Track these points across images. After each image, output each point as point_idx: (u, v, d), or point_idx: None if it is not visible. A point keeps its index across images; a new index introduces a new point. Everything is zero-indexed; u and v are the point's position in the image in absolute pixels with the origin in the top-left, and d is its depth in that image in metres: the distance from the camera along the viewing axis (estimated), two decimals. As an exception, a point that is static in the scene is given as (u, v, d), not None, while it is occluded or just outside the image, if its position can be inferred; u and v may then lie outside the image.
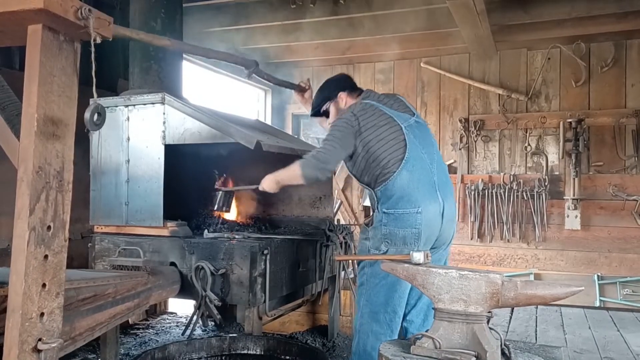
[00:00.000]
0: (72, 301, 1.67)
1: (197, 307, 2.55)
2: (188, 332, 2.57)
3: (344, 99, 2.63)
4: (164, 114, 2.66)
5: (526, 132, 5.36)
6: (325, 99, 2.66)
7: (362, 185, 2.58)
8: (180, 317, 4.10)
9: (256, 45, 5.25)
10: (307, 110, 2.93)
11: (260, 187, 2.60)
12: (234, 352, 2.41)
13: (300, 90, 2.97)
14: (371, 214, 2.52)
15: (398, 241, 2.34)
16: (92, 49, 1.23)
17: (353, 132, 2.39)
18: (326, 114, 2.69)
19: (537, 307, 4.32)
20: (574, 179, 5.05)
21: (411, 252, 1.79)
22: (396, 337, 2.43)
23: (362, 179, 2.48)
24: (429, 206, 2.36)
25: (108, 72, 3.77)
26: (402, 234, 2.33)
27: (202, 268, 2.52)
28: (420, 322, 2.57)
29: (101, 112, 1.26)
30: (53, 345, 1.25)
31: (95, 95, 1.26)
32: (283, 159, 3.12)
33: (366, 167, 2.42)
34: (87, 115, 1.23)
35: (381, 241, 2.36)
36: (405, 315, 2.55)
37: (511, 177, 5.31)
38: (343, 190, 6.08)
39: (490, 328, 1.67)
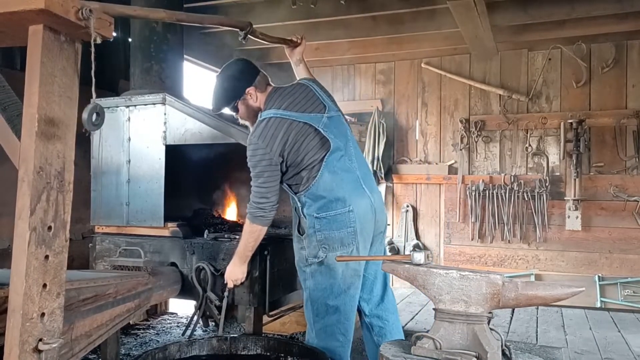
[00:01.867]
0: (73, 301, 1.67)
1: (198, 308, 2.55)
2: (188, 332, 2.57)
3: (253, 95, 2.37)
4: (164, 114, 2.66)
5: (527, 133, 5.36)
6: (233, 97, 2.38)
7: (286, 189, 2.37)
8: (181, 318, 4.10)
9: (256, 46, 5.26)
10: (292, 62, 2.67)
11: (230, 283, 2.40)
12: (234, 353, 2.40)
13: (293, 45, 2.66)
14: (296, 221, 2.35)
15: (336, 244, 2.25)
16: (92, 49, 1.23)
17: (273, 162, 2.25)
18: (235, 109, 2.43)
19: (537, 308, 4.32)
20: (574, 179, 5.05)
21: (412, 252, 1.79)
22: (351, 342, 2.36)
23: (285, 180, 2.33)
24: (360, 202, 2.29)
25: (109, 73, 3.78)
26: (338, 236, 2.25)
27: (203, 268, 2.52)
28: (385, 313, 2.51)
29: (100, 113, 1.26)
30: (54, 345, 1.25)
31: (94, 95, 1.25)
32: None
33: (287, 173, 2.30)
34: (84, 115, 1.23)
35: (318, 248, 2.25)
36: (365, 312, 2.48)
37: (512, 177, 5.31)
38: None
39: (491, 329, 1.67)
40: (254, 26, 2.31)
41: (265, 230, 2.34)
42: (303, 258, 2.31)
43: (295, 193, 2.30)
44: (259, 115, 2.34)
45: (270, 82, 2.45)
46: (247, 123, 2.46)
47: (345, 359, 2.34)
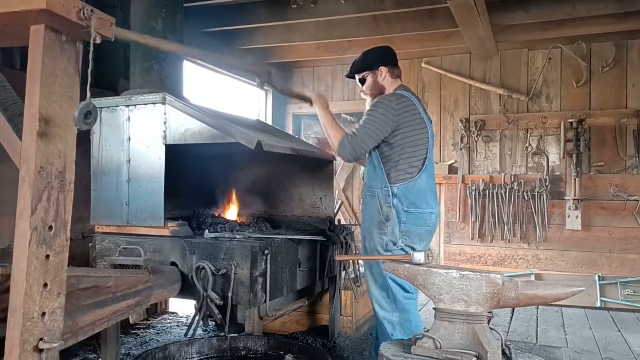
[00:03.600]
0: (72, 289, 1.66)
1: (199, 308, 2.55)
2: (190, 332, 2.57)
3: (383, 74, 2.67)
4: (164, 113, 2.66)
5: (527, 132, 5.36)
6: (366, 68, 2.69)
7: (380, 176, 2.59)
8: (181, 317, 4.10)
9: (256, 45, 5.26)
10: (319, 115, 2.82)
11: (314, 99, 2.67)
12: (234, 352, 2.41)
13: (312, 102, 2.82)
14: (376, 207, 2.54)
15: (415, 237, 2.52)
16: (91, 49, 1.23)
17: (391, 123, 2.48)
18: (362, 81, 2.72)
19: (537, 308, 4.33)
20: (574, 179, 5.05)
21: (412, 252, 1.79)
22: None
23: (384, 164, 2.54)
24: (436, 208, 2.62)
25: (109, 72, 3.77)
26: (419, 231, 2.54)
27: (203, 268, 2.52)
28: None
29: (92, 111, 1.26)
30: (54, 345, 1.25)
31: (88, 94, 1.25)
32: (284, 159, 3.13)
33: (392, 159, 2.52)
34: (75, 113, 1.23)
35: (399, 237, 2.51)
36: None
37: (512, 177, 5.31)
38: (344, 191, 6.08)
39: (491, 328, 1.67)
40: (271, 75, 2.44)
41: (332, 149, 2.66)
42: (383, 243, 2.52)
43: (390, 183, 2.51)
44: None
45: (401, 79, 2.75)
46: (367, 97, 2.73)
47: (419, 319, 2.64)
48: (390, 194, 2.50)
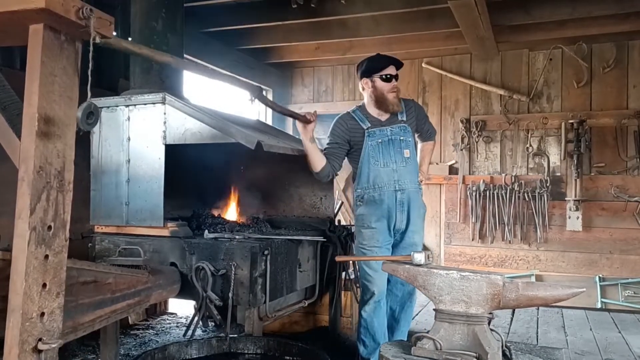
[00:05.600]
0: (73, 282, 1.65)
1: (198, 308, 2.55)
2: (189, 333, 2.56)
3: None
4: (164, 114, 2.65)
5: (528, 133, 5.36)
6: None
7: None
8: (180, 318, 4.10)
9: (256, 45, 5.25)
10: (304, 139, 2.77)
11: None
12: (234, 353, 2.40)
13: (305, 121, 2.73)
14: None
15: None
16: (91, 48, 1.23)
17: None
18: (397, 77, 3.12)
19: (538, 309, 4.32)
20: (575, 180, 5.04)
21: (412, 253, 1.78)
22: None
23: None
24: None
25: (109, 72, 3.77)
26: None
27: (203, 268, 2.51)
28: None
29: (94, 112, 1.26)
30: (53, 345, 1.25)
31: (89, 94, 1.25)
32: (284, 159, 3.12)
33: None
34: (79, 114, 1.23)
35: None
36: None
37: (512, 178, 5.30)
38: (344, 191, 6.07)
39: (491, 329, 1.67)
40: (263, 92, 2.46)
41: None
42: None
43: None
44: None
45: None
46: (393, 91, 3.05)
47: None
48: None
